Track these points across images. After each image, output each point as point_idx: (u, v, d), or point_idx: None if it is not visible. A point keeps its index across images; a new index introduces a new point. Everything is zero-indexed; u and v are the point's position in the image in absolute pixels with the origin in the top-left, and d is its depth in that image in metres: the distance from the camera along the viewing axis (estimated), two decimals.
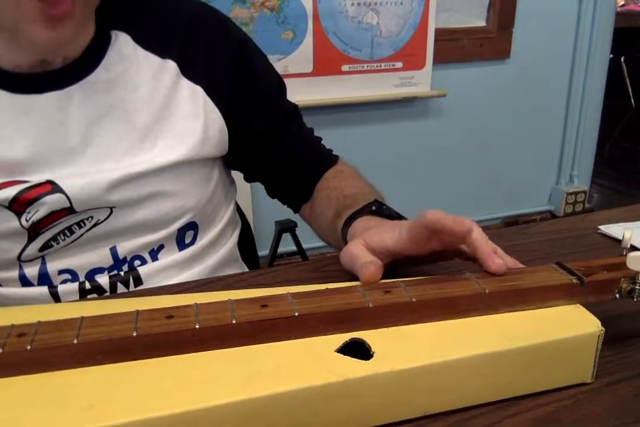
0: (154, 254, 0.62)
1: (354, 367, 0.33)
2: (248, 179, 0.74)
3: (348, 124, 1.89)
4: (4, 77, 0.54)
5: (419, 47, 1.86)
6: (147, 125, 0.58)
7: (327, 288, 0.38)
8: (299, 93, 1.62)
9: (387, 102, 1.89)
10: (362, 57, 1.81)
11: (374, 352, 0.34)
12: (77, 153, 0.56)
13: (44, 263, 0.58)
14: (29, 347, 0.34)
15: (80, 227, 0.57)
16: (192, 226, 0.64)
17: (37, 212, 0.55)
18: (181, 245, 0.64)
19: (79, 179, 0.56)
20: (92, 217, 0.57)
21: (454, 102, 1.97)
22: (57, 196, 0.55)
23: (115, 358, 0.35)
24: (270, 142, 0.68)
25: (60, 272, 0.59)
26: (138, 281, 0.61)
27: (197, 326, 0.35)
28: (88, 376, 0.34)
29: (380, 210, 0.55)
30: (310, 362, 0.34)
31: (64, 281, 0.59)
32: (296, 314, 0.35)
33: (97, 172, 0.56)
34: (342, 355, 0.34)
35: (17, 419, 0.30)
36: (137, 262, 0.62)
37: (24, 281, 0.59)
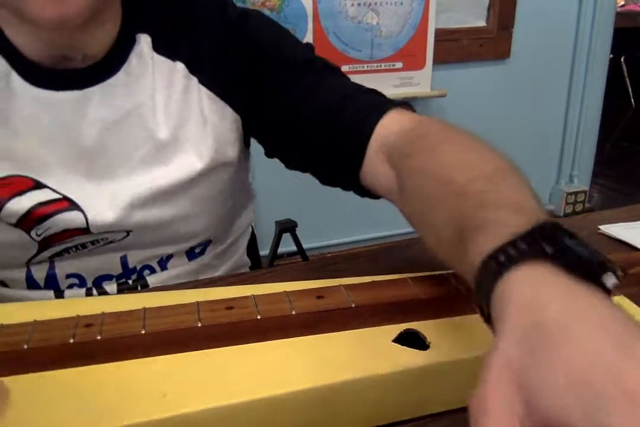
0: (163, 264, 0.62)
1: (413, 357, 0.35)
2: (287, 164, 0.62)
3: None
4: (27, 66, 0.52)
5: (419, 47, 1.88)
6: (163, 135, 0.56)
7: (374, 280, 0.40)
8: None
9: None
10: (362, 58, 1.83)
11: (429, 343, 0.36)
12: (90, 157, 0.55)
13: (52, 267, 0.58)
14: (99, 337, 0.36)
15: (93, 244, 0.57)
16: (205, 242, 0.64)
17: (49, 229, 0.54)
18: (191, 255, 0.64)
19: (95, 199, 0.55)
20: (107, 238, 0.57)
21: (454, 103, 1.99)
22: (73, 214, 0.54)
23: (180, 348, 0.36)
24: (286, 105, 0.57)
25: (68, 276, 0.59)
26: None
27: (258, 317, 0.37)
28: (157, 365, 0.35)
29: (563, 252, 0.28)
30: (369, 352, 0.35)
31: (71, 286, 0.59)
32: (352, 305, 0.37)
33: (113, 192, 0.55)
34: (398, 345, 0.36)
35: (95, 406, 0.32)
36: (146, 272, 0.62)
37: (31, 283, 0.59)
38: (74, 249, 0.57)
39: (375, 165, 0.50)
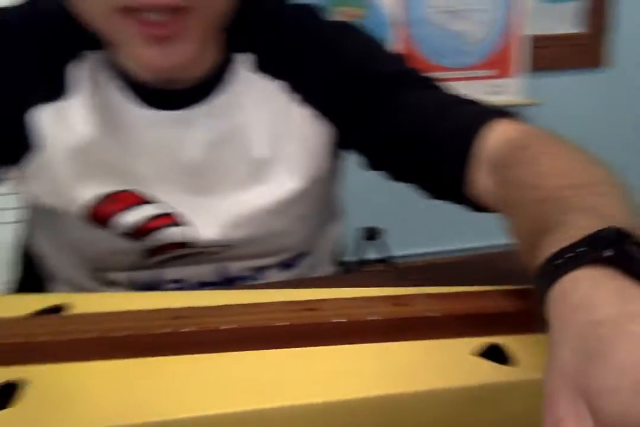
0: (259, 274, 0.65)
1: (493, 372, 0.34)
2: (393, 178, 0.60)
3: None
4: (135, 85, 0.55)
5: (508, 54, 1.84)
6: (261, 154, 0.58)
7: (458, 291, 0.40)
8: None
9: None
10: (448, 65, 1.81)
11: (512, 358, 0.35)
12: (192, 175, 0.57)
13: (155, 272, 0.62)
14: (186, 330, 0.37)
15: (195, 255, 0.61)
16: (298, 255, 0.66)
17: (155, 241, 0.58)
18: (284, 267, 0.66)
19: (199, 218, 0.57)
20: (208, 251, 0.60)
21: (546, 112, 1.91)
22: (179, 230, 0.58)
23: (261, 345, 0.37)
24: (381, 118, 0.57)
25: (170, 281, 0.62)
26: None
27: (337, 320, 0.37)
28: (239, 360, 0.37)
29: (622, 257, 0.27)
30: (447, 363, 0.35)
31: (171, 288, 0.63)
32: (432, 314, 0.37)
33: (214, 210, 0.58)
34: (479, 358, 0.35)
35: (182, 395, 0.33)
36: (241, 282, 0.64)
37: (135, 286, 0.62)
38: (176, 259, 0.61)
39: (479, 178, 0.49)
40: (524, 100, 1.86)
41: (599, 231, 0.29)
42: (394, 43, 1.72)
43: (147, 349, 0.37)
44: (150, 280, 0.62)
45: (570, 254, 0.28)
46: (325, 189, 0.64)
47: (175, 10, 0.46)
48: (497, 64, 1.83)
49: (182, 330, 0.37)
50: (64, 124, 0.54)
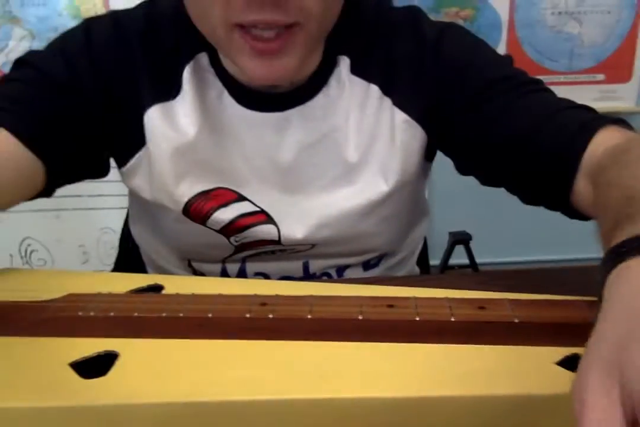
0: (340, 272, 0.66)
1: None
2: (486, 182, 0.60)
3: None
4: (238, 88, 0.57)
5: (625, 58, 1.73)
6: (352, 158, 0.58)
7: (546, 299, 0.39)
8: None
9: None
10: (558, 69, 1.73)
11: None
12: (285, 175, 0.59)
13: (243, 265, 0.65)
14: (270, 316, 0.39)
15: (282, 252, 0.63)
16: (380, 255, 0.67)
17: (246, 238, 0.61)
18: (366, 266, 0.67)
19: (290, 217, 0.59)
20: (294, 249, 0.62)
21: None
22: (269, 227, 0.60)
23: (339, 337, 0.38)
24: (482, 121, 0.56)
25: (256, 274, 0.65)
26: None
27: (417, 318, 0.38)
28: (318, 349, 0.38)
29: None
30: (528, 370, 0.34)
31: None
32: (515, 320, 0.36)
33: (304, 210, 0.59)
34: (561, 368, 0.34)
35: (261, 377, 0.35)
36: (324, 278, 0.66)
37: (224, 275, 0.66)
38: (264, 254, 0.63)
39: (580, 186, 0.48)
40: (639, 107, 1.75)
41: None
42: (502, 44, 1.67)
43: (234, 332, 0.39)
44: (237, 273, 0.65)
45: (636, 244, 0.30)
46: (412, 192, 0.64)
47: (284, 27, 0.47)
48: (611, 68, 1.73)
49: (269, 316, 0.39)
50: (171, 122, 0.57)
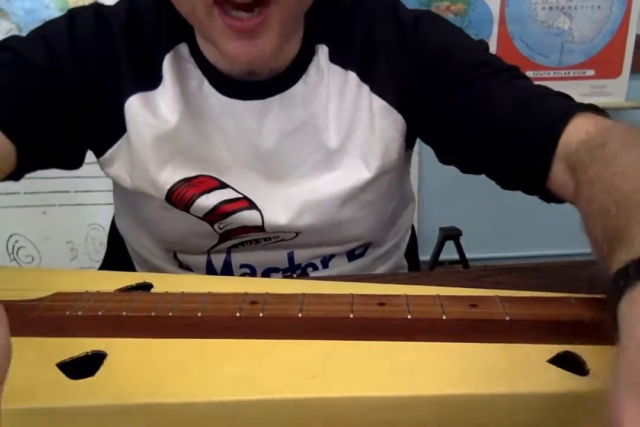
0: (325, 263, 0.67)
1: (569, 381, 0.33)
2: (465, 170, 0.61)
3: None
4: (218, 77, 0.58)
5: (616, 54, 1.73)
6: (333, 144, 0.59)
7: (537, 296, 0.39)
8: None
9: None
10: (548, 64, 1.73)
11: (589, 369, 0.34)
12: (266, 162, 0.59)
13: (228, 257, 0.65)
14: (261, 315, 0.39)
15: (266, 241, 0.63)
16: (365, 244, 0.67)
17: (230, 224, 0.61)
18: (351, 257, 0.67)
19: (272, 202, 0.60)
20: (278, 237, 0.62)
21: None
22: (252, 213, 0.60)
23: (330, 335, 0.38)
24: (460, 106, 0.56)
25: (242, 266, 0.65)
26: None
27: (408, 316, 0.38)
28: (309, 348, 0.38)
29: None
30: (520, 369, 0.34)
31: (243, 274, 0.66)
32: (507, 318, 0.36)
33: (287, 195, 0.60)
34: (554, 366, 0.34)
35: (252, 377, 0.35)
36: (309, 269, 0.66)
37: (209, 269, 0.66)
38: (248, 243, 0.63)
39: (557, 172, 0.49)
40: (629, 102, 1.75)
41: None
42: (493, 39, 1.67)
43: (224, 331, 0.39)
44: (223, 265, 0.65)
45: (636, 269, 0.30)
46: (395, 178, 0.64)
47: (258, 4, 0.47)
48: (601, 64, 1.74)
49: (259, 315, 0.39)
50: (152, 111, 0.57)
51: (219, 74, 0.58)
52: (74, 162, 0.62)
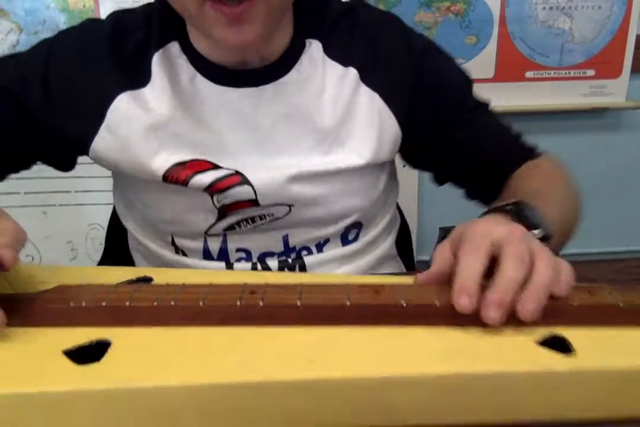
0: (320, 247, 0.68)
1: (556, 360, 0.34)
2: (438, 180, 0.75)
3: (529, 133, 1.80)
4: (210, 68, 0.62)
5: (616, 54, 1.74)
6: (327, 128, 0.63)
7: None
8: None
9: (573, 112, 1.79)
10: (549, 64, 1.74)
11: (575, 349, 0.35)
12: (262, 145, 0.62)
13: (224, 240, 0.66)
14: (260, 304, 0.40)
15: (261, 219, 0.65)
16: (356, 225, 0.69)
17: (226, 199, 0.63)
18: (345, 241, 0.69)
19: (263, 173, 0.62)
20: (272, 214, 0.64)
21: None
22: (244, 188, 0.62)
23: (329, 323, 0.39)
24: (451, 141, 0.68)
25: (238, 250, 0.67)
26: (303, 268, 0.68)
27: (403, 303, 0.39)
28: (308, 335, 0.39)
29: (518, 212, 0.47)
30: (510, 349, 0.36)
31: (239, 259, 0.67)
32: None
33: (278, 167, 0.62)
34: (542, 347, 0.35)
35: (252, 361, 0.36)
36: (304, 252, 0.68)
37: (206, 254, 0.67)
38: (244, 223, 0.65)
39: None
40: (629, 102, 1.76)
41: (517, 201, 0.49)
42: (493, 39, 1.68)
43: (225, 319, 0.40)
44: (219, 250, 0.67)
45: (494, 209, 0.49)
46: (385, 167, 0.70)
47: None
48: (601, 64, 1.74)
49: (259, 303, 0.40)
50: (141, 105, 0.61)
51: (212, 65, 0.62)
52: (63, 164, 0.68)
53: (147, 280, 0.47)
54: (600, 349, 0.35)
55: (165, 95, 0.61)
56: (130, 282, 0.46)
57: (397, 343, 0.37)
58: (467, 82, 0.70)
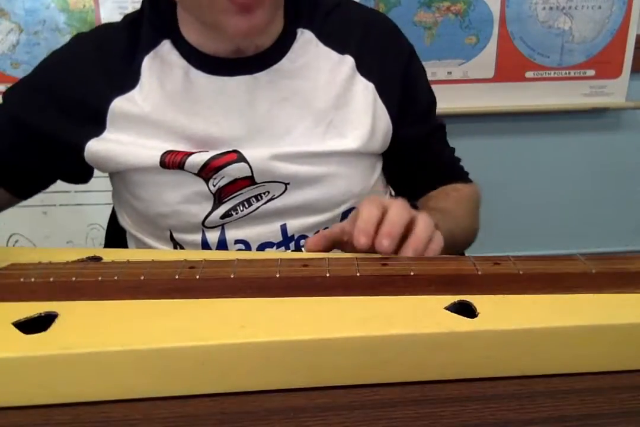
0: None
1: (460, 323, 0.36)
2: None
3: (529, 133, 1.82)
4: (203, 59, 0.64)
5: (616, 54, 1.73)
6: (323, 111, 0.65)
7: (442, 255, 0.42)
8: (478, 99, 1.62)
9: (573, 112, 1.79)
10: (549, 64, 1.74)
11: (479, 313, 0.37)
12: (260, 130, 0.64)
13: (223, 231, 0.67)
14: (197, 277, 0.42)
15: (257, 200, 0.65)
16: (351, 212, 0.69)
17: (223, 179, 0.64)
18: None
19: (260, 150, 0.64)
20: (268, 192, 0.65)
21: None
22: (240, 165, 0.63)
23: (260, 293, 0.42)
24: (412, 152, 0.73)
25: (236, 242, 0.67)
26: None
27: (327, 275, 0.41)
28: (240, 304, 0.41)
29: None
30: (421, 314, 0.38)
31: (238, 251, 0.67)
32: (412, 273, 0.40)
33: (274, 146, 0.64)
34: (450, 312, 0.38)
35: (189, 328, 0.38)
36: (302, 242, 0.68)
37: (205, 246, 0.68)
38: (240, 207, 0.65)
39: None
40: (629, 102, 1.75)
41: None
42: (493, 39, 1.68)
43: (164, 292, 0.42)
44: (217, 242, 0.67)
45: None
46: (377, 163, 0.72)
47: None
48: (601, 64, 1.74)
49: (196, 277, 0.42)
50: (133, 103, 0.63)
51: (205, 56, 0.64)
52: (81, 176, 0.73)
53: (97, 259, 0.49)
54: (501, 312, 0.37)
55: (153, 91, 0.63)
56: (81, 261, 0.49)
57: (320, 310, 0.39)
58: (433, 101, 0.75)
